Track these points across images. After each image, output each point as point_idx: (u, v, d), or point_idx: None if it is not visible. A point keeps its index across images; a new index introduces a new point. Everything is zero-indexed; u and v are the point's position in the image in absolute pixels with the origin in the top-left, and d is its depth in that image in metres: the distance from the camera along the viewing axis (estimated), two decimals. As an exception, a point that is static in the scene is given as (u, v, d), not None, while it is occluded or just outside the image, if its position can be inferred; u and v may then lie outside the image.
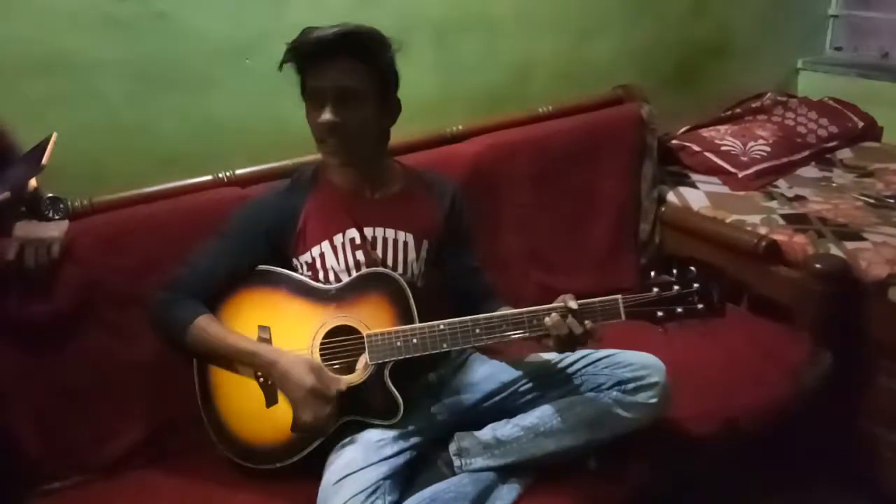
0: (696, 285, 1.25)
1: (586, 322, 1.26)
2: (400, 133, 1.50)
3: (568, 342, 1.27)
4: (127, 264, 1.48)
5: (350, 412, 1.32)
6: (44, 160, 1.16)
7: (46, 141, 1.22)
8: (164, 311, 1.36)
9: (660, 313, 1.26)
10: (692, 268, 1.27)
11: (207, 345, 1.33)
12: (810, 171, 2.32)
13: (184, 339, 1.33)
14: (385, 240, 1.41)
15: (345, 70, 1.28)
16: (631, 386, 1.34)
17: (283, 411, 1.32)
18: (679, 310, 1.25)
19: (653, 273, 1.29)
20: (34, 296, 1.40)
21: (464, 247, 1.52)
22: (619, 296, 1.27)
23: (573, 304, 1.27)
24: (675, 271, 1.27)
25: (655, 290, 1.26)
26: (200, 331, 1.33)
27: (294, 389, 1.26)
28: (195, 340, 1.33)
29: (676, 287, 1.25)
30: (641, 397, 1.34)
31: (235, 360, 1.34)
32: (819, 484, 1.82)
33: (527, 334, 1.30)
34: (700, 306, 1.25)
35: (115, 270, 1.47)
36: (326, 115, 1.28)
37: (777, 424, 1.60)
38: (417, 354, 1.30)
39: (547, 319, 1.26)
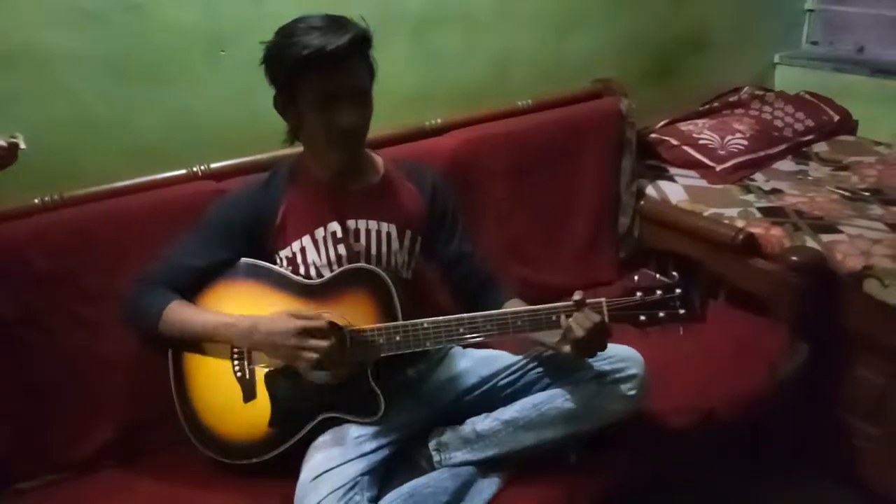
0: (678, 290, 1.25)
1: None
2: (379, 127, 1.48)
3: (589, 344, 1.24)
4: (99, 258, 1.45)
5: (330, 409, 1.31)
6: None
7: None
8: (136, 301, 1.34)
9: (642, 317, 1.26)
10: (675, 273, 1.27)
11: (182, 328, 1.30)
12: (787, 165, 2.34)
13: (157, 327, 1.31)
14: (368, 231, 1.40)
15: (356, 71, 1.28)
16: (610, 378, 1.34)
17: (260, 406, 1.31)
18: (661, 314, 1.25)
19: (636, 277, 1.29)
20: (2, 289, 1.37)
21: (452, 233, 1.50)
22: (602, 299, 1.26)
23: (581, 298, 1.24)
24: (657, 275, 1.27)
25: (638, 294, 1.26)
26: (174, 314, 1.30)
27: (286, 340, 1.23)
28: (169, 325, 1.31)
29: (659, 292, 1.25)
30: (621, 389, 1.34)
31: (212, 337, 1.31)
32: (796, 474, 1.83)
33: (512, 335, 1.29)
34: (682, 311, 1.25)
35: (88, 265, 1.44)
36: (350, 117, 1.26)
37: (754, 416, 1.62)
38: (400, 352, 1.29)
39: (571, 320, 1.23)
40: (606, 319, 1.26)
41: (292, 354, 1.24)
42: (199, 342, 1.34)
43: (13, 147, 1.14)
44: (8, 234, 1.40)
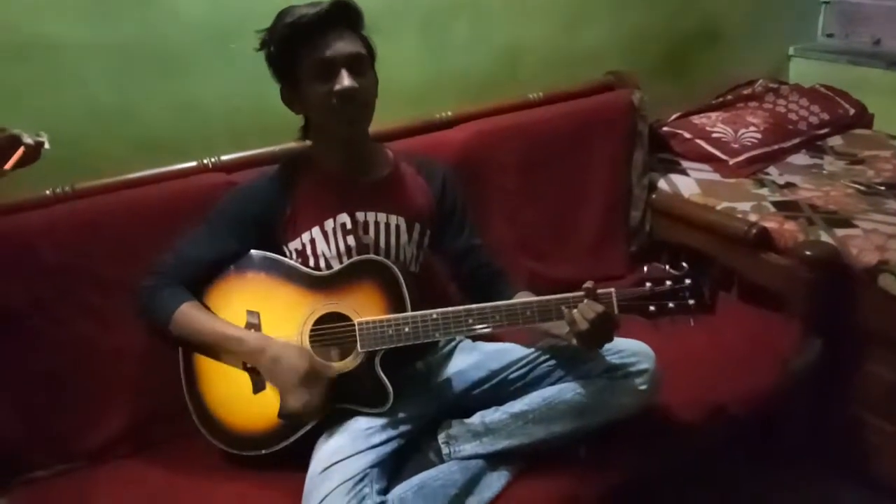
0: (687, 281, 1.24)
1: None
2: (387, 119, 1.48)
3: (594, 335, 1.24)
4: (110, 249, 1.46)
5: (339, 400, 1.31)
6: (7, 166, 1.13)
7: (12, 144, 1.17)
8: (148, 298, 1.34)
9: (652, 308, 1.25)
10: (684, 263, 1.26)
11: (193, 332, 1.31)
12: (801, 159, 2.30)
13: (168, 327, 1.32)
14: (377, 224, 1.39)
15: (348, 38, 1.29)
16: (621, 373, 1.34)
17: (270, 398, 1.31)
18: (671, 305, 1.24)
19: (646, 267, 1.28)
20: (14, 281, 1.38)
21: (462, 227, 1.50)
22: (612, 289, 1.25)
23: (591, 287, 1.24)
24: (667, 267, 1.26)
25: (648, 284, 1.25)
26: (185, 318, 1.31)
27: (284, 376, 1.25)
28: (180, 328, 1.31)
29: (669, 283, 1.24)
30: (631, 384, 1.33)
31: (221, 347, 1.32)
32: (808, 470, 1.81)
33: (522, 325, 1.29)
34: (691, 302, 1.24)
35: (99, 256, 1.45)
36: (346, 81, 1.26)
37: (766, 412, 1.60)
38: (409, 343, 1.28)
39: (575, 312, 1.24)
40: (616, 310, 1.26)
41: (284, 389, 1.26)
42: (208, 347, 1.34)
43: (39, 146, 1.15)
44: (19, 226, 1.41)
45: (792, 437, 1.77)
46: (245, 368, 1.33)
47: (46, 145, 1.16)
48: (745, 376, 1.60)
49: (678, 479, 1.50)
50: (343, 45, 1.28)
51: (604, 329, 1.25)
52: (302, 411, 1.25)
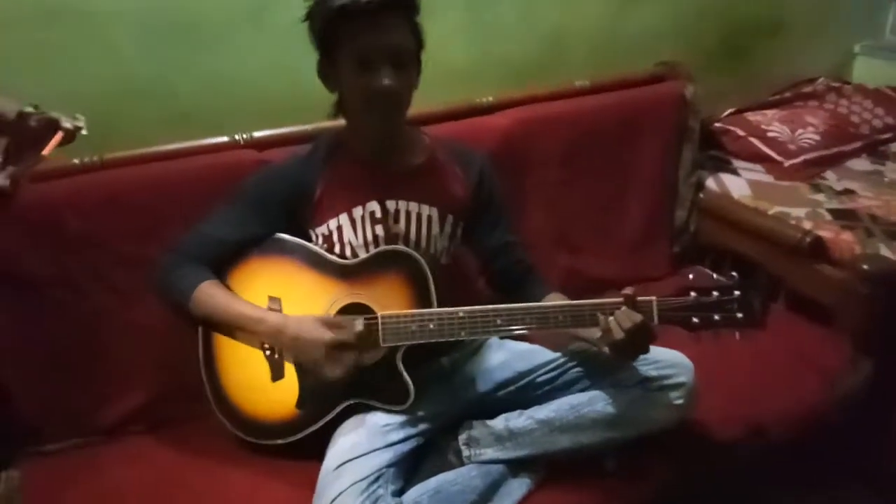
0: (736, 293, 1.16)
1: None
2: (426, 102, 1.42)
3: (630, 346, 1.17)
4: (135, 224, 1.43)
5: (357, 395, 1.27)
6: (45, 151, 1.09)
7: (51, 127, 1.13)
8: (168, 274, 1.31)
9: (695, 319, 1.17)
10: (734, 273, 1.18)
11: (211, 311, 1.28)
12: (861, 164, 2.18)
13: (187, 305, 1.29)
14: (408, 213, 1.34)
15: (399, 28, 1.22)
16: (656, 385, 1.27)
17: (288, 386, 1.28)
18: (716, 317, 1.17)
19: (691, 274, 1.21)
20: (38, 250, 1.36)
21: (497, 221, 1.44)
22: (653, 298, 1.18)
23: (631, 294, 1.17)
24: (714, 275, 1.18)
25: (693, 294, 1.17)
26: (205, 296, 1.28)
27: (311, 350, 1.21)
28: (199, 306, 1.28)
29: (716, 293, 1.17)
30: (667, 398, 1.26)
31: (240, 328, 1.29)
32: (849, 496, 1.72)
33: (553, 329, 1.23)
34: (739, 316, 1.17)
35: (123, 229, 1.43)
36: (387, 80, 1.20)
37: (809, 433, 1.51)
38: (432, 341, 1.23)
39: (611, 319, 1.17)
40: (656, 320, 1.19)
41: (317, 364, 1.22)
42: (227, 327, 1.31)
43: (76, 130, 1.12)
44: (45, 194, 1.38)
45: (835, 461, 1.68)
46: (265, 354, 1.30)
47: (84, 131, 1.13)
48: (787, 393, 1.52)
49: (711, 499, 1.42)
50: (390, 37, 1.20)
51: (640, 340, 1.18)
52: (345, 374, 1.21)
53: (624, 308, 1.18)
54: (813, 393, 1.54)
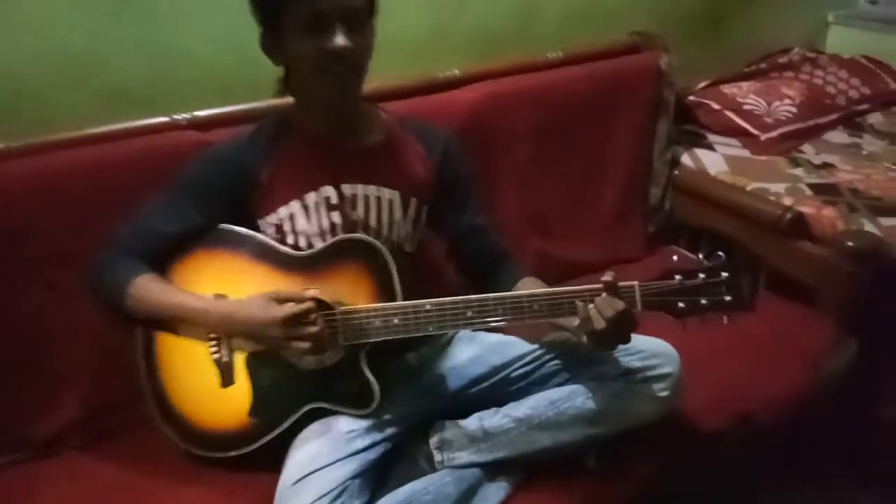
0: (724, 274, 1.09)
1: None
2: (385, 76, 1.32)
3: (611, 335, 1.09)
4: (67, 215, 1.30)
5: (317, 399, 1.17)
6: None
7: None
8: (102, 271, 1.20)
9: (681, 305, 1.09)
10: (720, 252, 1.10)
11: (150, 306, 1.17)
12: (838, 136, 2.13)
13: (123, 302, 1.17)
14: (366, 198, 1.23)
15: None
16: (640, 376, 1.20)
17: (240, 392, 1.18)
18: (703, 301, 1.09)
19: (675, 257, 1.13)
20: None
21: (464, 203, 1.34)
22: (636, 283, 1.09)
23: (612, 280, 1.08)
24: (700, 256, 1.10)
25: (677, 277, 1.09)
26: (142, 291, 1.16)
27: (269, 331, 1.10)
28: (136, 302, 1.17)
29: (702, 275, 1.09)
30: (651, 389, 1.19)
31: (184, 322, 1.18)
32: (839, 480, 1.69)
33: (528, 320, 1.13)
34: (728, 298, 1.09)
35: (55, 221, 1.30)
36: (340, 40, 1.08)
37: (795, 418, 1.47)
38: (397, 337, 1.13)
39: (591, 307, 1.08)
40: (640, 306, 1.10)
41: (278, 345, 1.11)
42: (171, 323, 1.20)
43: None
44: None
45: (823, 445, 1.64)
46: (213, 357, 1.19)
47: None
48: (772, 378, 1.46)
49: (698, 493, 1.36)
50: None
51: (622, 329, 1.10)
52: (317, 351, 1.11)
53: (604, 295, 1.09)
54: (798, 376, 1.49)
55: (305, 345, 1.09)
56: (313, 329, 1.09)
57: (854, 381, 1.54)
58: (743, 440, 1.40)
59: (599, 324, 1.07)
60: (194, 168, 1.22)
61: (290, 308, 1.09)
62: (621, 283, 1.10)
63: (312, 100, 1.20)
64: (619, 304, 1.08)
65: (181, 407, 1.21)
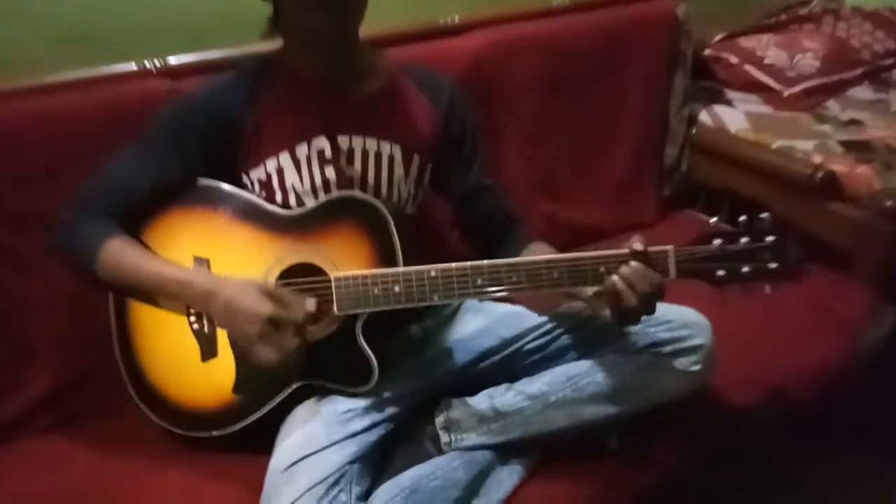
0: (769, 238, 0.98)
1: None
2: (382, 22, 1.22)
3: (636, 309, 0.97)
4: (26, 173, 1.20)
5: (309, 376, 1.06)
6: None
7: None
8: (68, 232, 1.08)
9: (720, 272, 0.99)
10: (763, 215, 0.99)
11: (123, 274, 1.05)
12: (864, 92, 2.02)
13: (93, 268, 1.05)
14: (365, 152, 1.12)
15: None
16: (668, 349, 1.10)
17: (223, 366, 1.08)
18: (745, 269, 0.98)
19: (713, 219, 1.01)
20: None
21: (470, 161, 1.25)
22: (670, 247, 0.98)
23: (643, 248, 0.97)
24: (742, 219, 1.00)
25: (717, 241, 0.98)
26: (114, 256, 1.05)
27: (245, 323, 0.97)
28: (107, 269, 1.05)
29: (744, 239, 0.98)
30: (681, 363, 1.10)
31: (161, 293, 1.07)
32: (877, 456, 1.61)
33: (544, 290, 1.02)
34: (773, 266, 0.98)
35: (11, 181, 1.19)
36: None
37: (831, 392, 1.38)
38: (398, 307, 1.02)
39: (616, 279, 0.97)
40: (673, 274, 0.99)
41: (248, 340, 0.97)
42: (147, 292, 1.08)
43: None
44: None
45: (861, 421, 1.57)
46: (192, 328, 1.08)
47: None
48: (806, 350, 1.37)
49: (727, 474, 1.27)
50: None
51: (650, 300, 0.98)
52: (281, 363, 0.97)
53: (634, 264, 0.97)
54: (833, 348, 1.40)
55: (273, 355, 0.96)
56: (291, 343, 0.96)
57: (893, 352, 1.46)
58: (774, 417, 1.33)
59: (630, 300, 0.96)
60: (169, 114, 1.10)
61: (276, 310, 0.96)
62: (653, 249, 0.98)
63: (305, 36, 1.07)
64: (657, 278, 0.97)
65: (158, 381, 1.11)
